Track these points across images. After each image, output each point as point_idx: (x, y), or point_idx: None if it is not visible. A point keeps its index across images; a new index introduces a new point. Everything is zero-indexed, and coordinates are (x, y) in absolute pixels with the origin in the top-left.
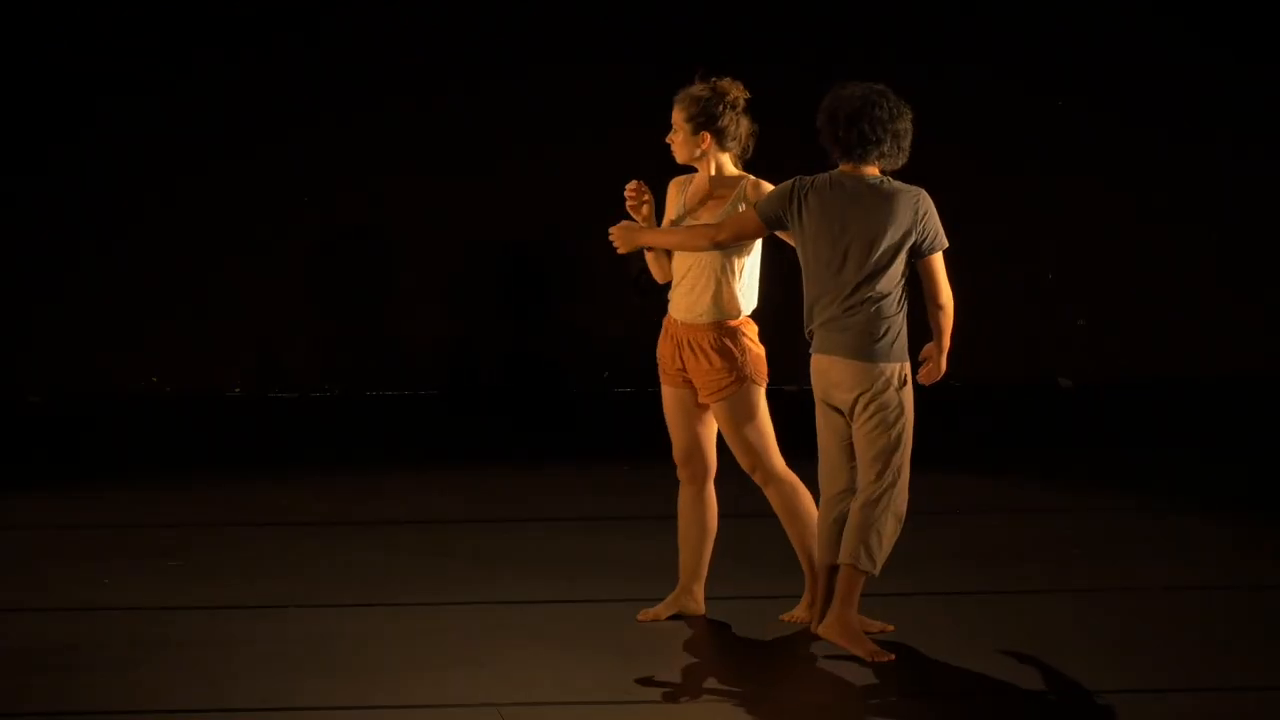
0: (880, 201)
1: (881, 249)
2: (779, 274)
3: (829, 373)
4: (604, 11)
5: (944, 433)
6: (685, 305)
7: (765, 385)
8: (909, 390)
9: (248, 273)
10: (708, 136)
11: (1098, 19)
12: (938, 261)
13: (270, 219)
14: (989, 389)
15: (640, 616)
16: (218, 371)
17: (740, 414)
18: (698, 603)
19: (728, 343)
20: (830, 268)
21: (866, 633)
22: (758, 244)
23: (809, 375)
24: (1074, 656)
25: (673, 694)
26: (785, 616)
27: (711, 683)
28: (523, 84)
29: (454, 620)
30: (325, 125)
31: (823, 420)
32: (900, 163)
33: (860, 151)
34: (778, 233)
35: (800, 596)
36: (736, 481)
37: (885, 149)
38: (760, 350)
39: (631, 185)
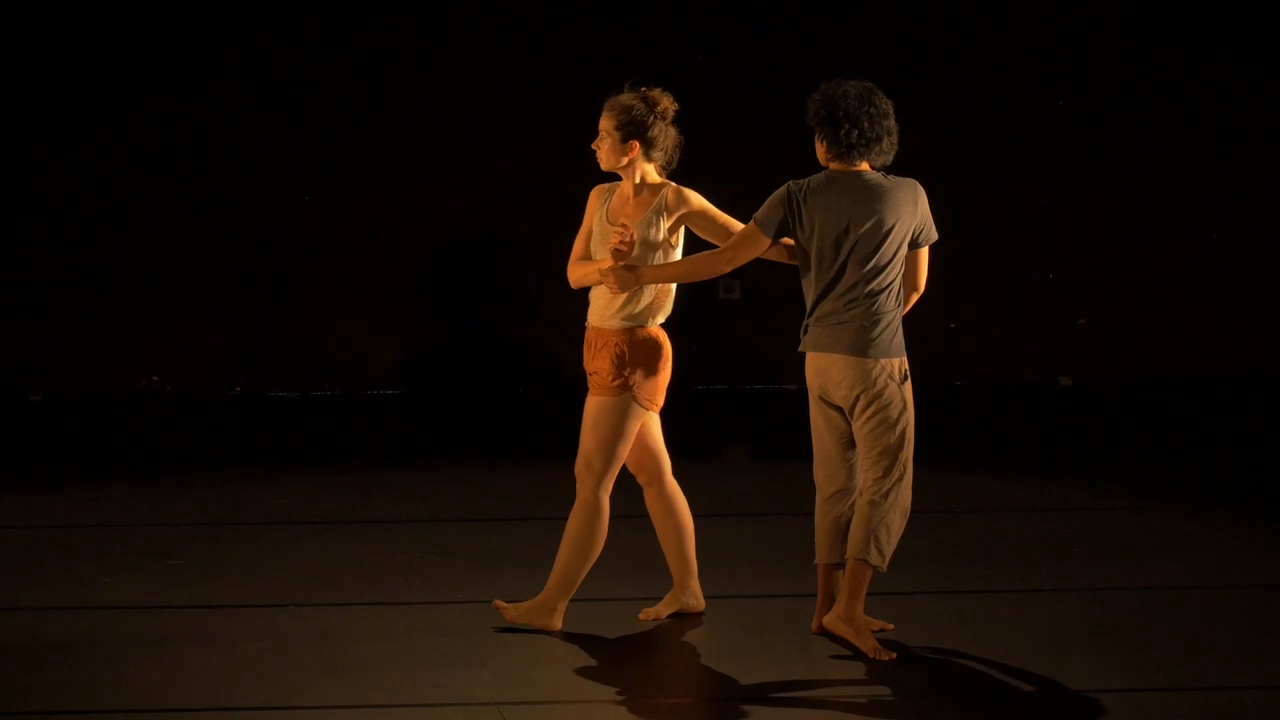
0: (884, 197)
1: (888, 243)
2: (779, 274)
3: (828, 371)
4: (593, 10)
5: (944, 433)
6: (597, 310)
7: (649, 409)
8: (909, 385)
9: (248, 273)
10: (636, 145)
11: (1099, 19)
12: (926, 252)
13: (271, 219)
14: (989, 389)
15: (641, 615)
16: (218, 371)
17: (605, 420)
18: (697, 598)
19: (628, 351)
20: (833, 266)
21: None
22: (677, 252)
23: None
24: (1075, 656)
25: (673, 693)
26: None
27: (712, 681)
28: (507, 85)
29: (454, 620)
30: (327, 127)
31: (820, 418)
32: (891, 159)
33: (861, 149)
34: (767, 254)
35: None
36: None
37: (883, 146)
38: (661, 374)
39: (621, 229)
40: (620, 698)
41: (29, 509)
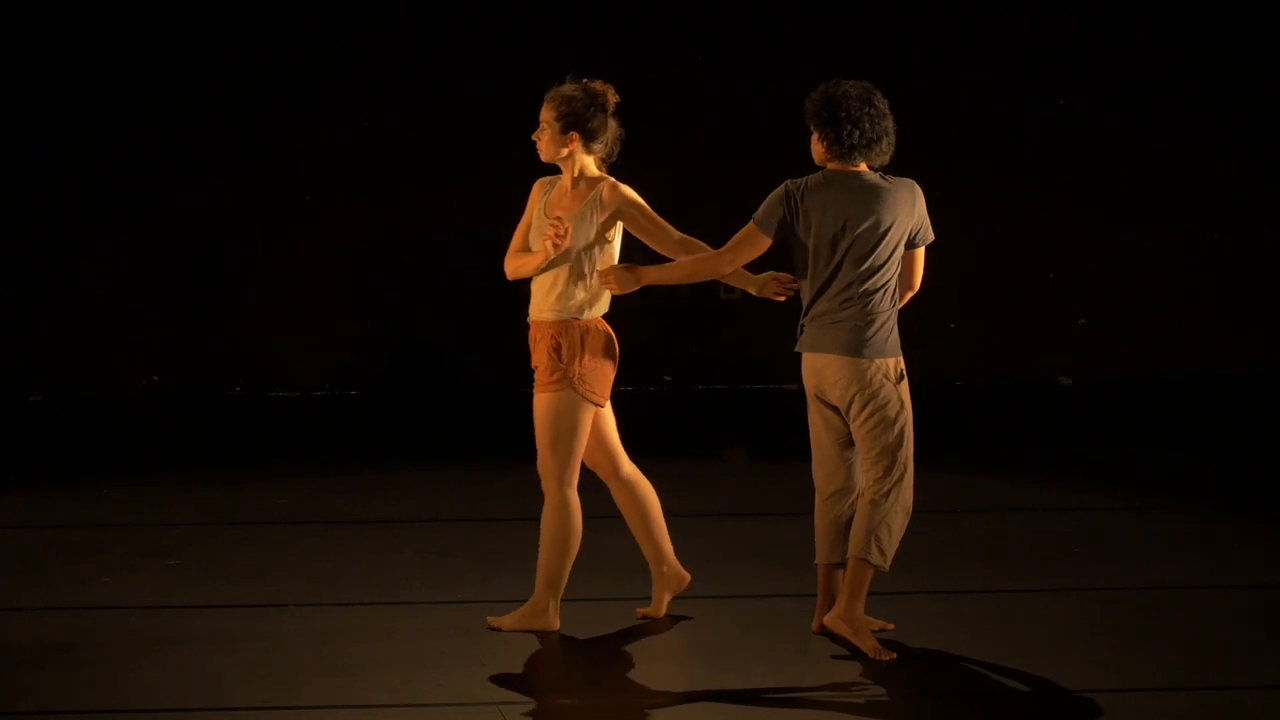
0: (882, 197)
1: (884, 243)
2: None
3: (823, 371)
4: (593, 11)
5: (944, 433)
6: (535, 303)
7: (595, 402)
8: (906, 384)
9: (249, 272)
10: (575, 136)
11: (1099, 19)
12: (923, 253)
13: (273, 219)
14: (989, 388)
15: (639, 613)
16: (218, 371)
17: (551, 418)
18: (679, 576)
19: (563, 343)
20: (829, 265)
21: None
22: (614, 246)
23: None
24: (1074, 656)
25: (673, 692)
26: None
27: (712, 681)
28: (509, 85)
29: (454, 619)
30: (326, 128)
31: (818, 418)
32: (888, 159)
33: (862, 150)
34: (727, 278)
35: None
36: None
37: (882, 146)
38: (602, 366)
39: (556, 223)
40: (619, 697)
41: (29, 509)
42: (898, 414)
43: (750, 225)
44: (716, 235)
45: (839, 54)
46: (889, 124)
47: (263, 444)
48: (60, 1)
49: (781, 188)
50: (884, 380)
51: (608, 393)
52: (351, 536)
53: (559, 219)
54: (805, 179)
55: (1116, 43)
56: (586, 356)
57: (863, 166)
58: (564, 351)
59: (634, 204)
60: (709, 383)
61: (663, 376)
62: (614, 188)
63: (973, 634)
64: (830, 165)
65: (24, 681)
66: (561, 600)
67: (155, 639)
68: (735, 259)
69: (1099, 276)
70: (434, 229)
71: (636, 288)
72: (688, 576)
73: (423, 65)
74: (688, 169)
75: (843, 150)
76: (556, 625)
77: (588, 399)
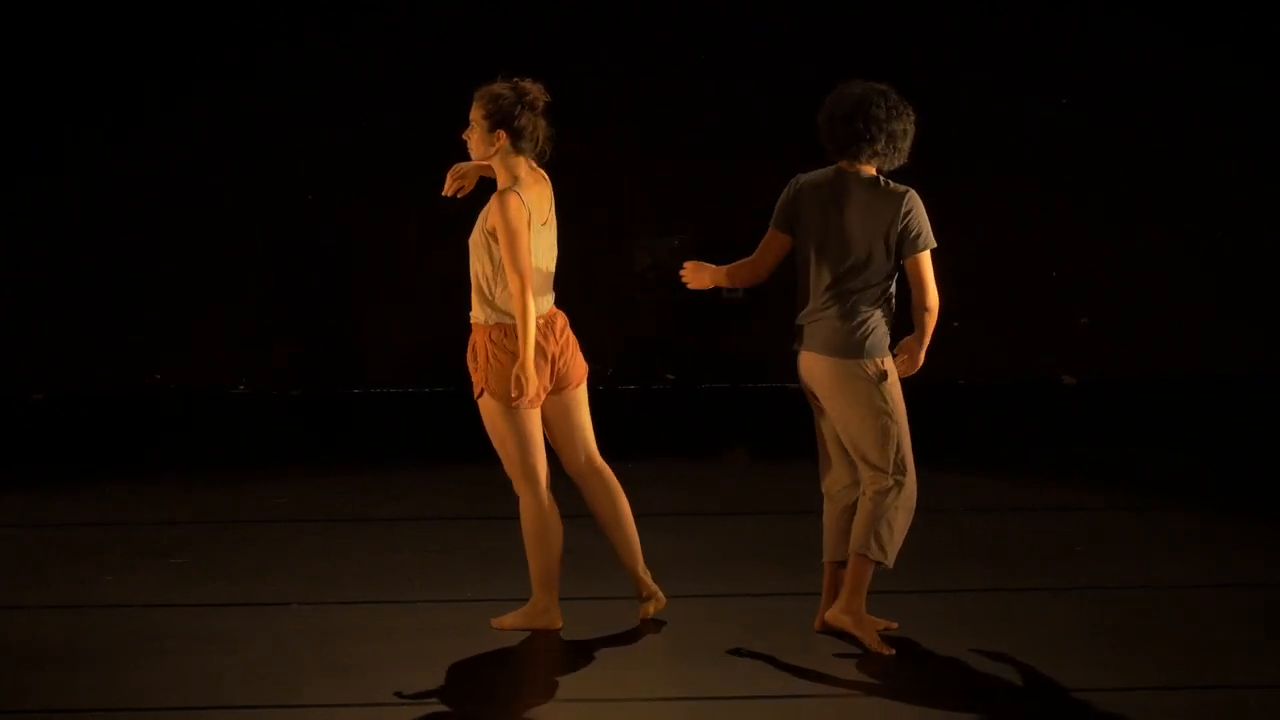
0: (863, 199)
1: (858, 245)
2: (781, 275)
3: (812, 369)
4: (591, 10)
5: (944, 432)
6: (471, 306)
7: (513, 403)
8: (891, 384)
9: (250, 272)
10: (503, 135)
11: (1100, 19)
12: (924, 262)
13: (273, 218)
14: (990, 387)
15: (641, 617)
16: (219, 371)
17: (489, 426)
18: (640, 570)
19: (477, 351)
20: (816, 263)
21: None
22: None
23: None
24: (1074, 656)
25: (673, 692)
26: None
27: (712, 681)
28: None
29: (454, 619)
30: (328, 127)
31: (816, 416)
32: (897, 163)
33: (854, 149)
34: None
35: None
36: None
37: (879, 148)
38: (506, 368)
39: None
40: (621, 697)
41: (29, 508)
42: (881, 414)
43: (770, 228)
44: (717, 234)
45: (839, 54)
46: (896, 127)
47: (263, 443)
48: (60, 1)
49: (789, 183)
50: (864, 381)
51: (525, 394)
52: (351, 536)
53: (455, 168)
54: (809, 175)
55: (1116, 43)
56: (490, 361)
57: (868, 169)
58: (478, 359)
59: (496, 224)
60: (711, 382)
61: (665, 375)
62: (499, 203)
63: (973, 634)
64: (839, 164)
65: (24, 681)
66: (561, 599)
67: (155, 639)
68: (765, 261)
69: (1100, 276)
70: (435, 228)
71: (710, 285)
72: (650, 583)
73: (423, 65)
74: (688, 169)
75: (835, 147)
76: (559, 624)
77: (507, 404)
